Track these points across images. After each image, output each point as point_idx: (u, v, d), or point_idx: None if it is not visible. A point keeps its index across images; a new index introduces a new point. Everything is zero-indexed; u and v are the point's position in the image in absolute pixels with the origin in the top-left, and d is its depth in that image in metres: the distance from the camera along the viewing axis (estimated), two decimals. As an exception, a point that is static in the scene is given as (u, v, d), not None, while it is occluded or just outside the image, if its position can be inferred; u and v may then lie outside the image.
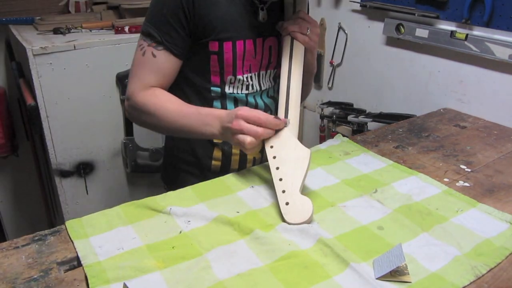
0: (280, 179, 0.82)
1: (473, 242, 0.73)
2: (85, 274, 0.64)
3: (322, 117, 1.92)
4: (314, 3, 1.93)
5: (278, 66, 1.09)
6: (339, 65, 1.90)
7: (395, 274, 0.65)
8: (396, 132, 1.20)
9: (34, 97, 1.54)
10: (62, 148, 1.61)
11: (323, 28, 1.92)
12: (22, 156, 2.01)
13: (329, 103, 1.89)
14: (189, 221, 0.77)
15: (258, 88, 1.08)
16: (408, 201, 0.85)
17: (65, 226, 0.75)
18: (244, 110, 0.86)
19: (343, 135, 1.15)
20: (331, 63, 1.92)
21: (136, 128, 1.71)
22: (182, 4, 0.93)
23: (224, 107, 1.05)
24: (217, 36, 0.97)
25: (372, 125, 1.63)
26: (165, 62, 0.97)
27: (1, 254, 0.68)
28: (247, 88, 1.06)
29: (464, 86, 1.44)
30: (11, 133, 1.91)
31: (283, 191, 0.80)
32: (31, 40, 1.55)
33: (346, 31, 1.82)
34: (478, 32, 1.34)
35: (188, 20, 0.94)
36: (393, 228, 0.76)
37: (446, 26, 1.42)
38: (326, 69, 1.98)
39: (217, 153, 1.07)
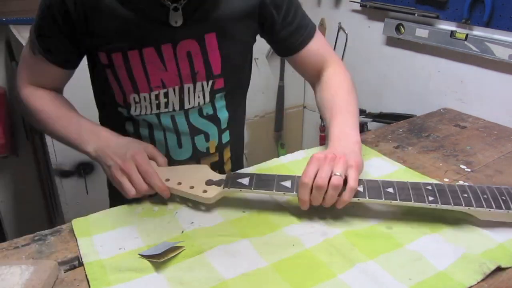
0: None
1: (484, 245, 0.72)
2: (85, 273, 0.65)
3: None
4: (314, 3, 1.93)
5: (212, 76, 0.90)
6: (339, 65, 1.90)
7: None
8: (396, 132, 1.20)
9: (34, 97, 1.54)
10: (62, 148, 1.60)
11: (323, 28, 1.92)
12: (22, 156, 2.01)
13: (329, 103, 1.89)
14: (192, 222, 0.77)
15: (179, 107, 0.90)
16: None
17: (71, 224, 0.75)
18: (139, 154, 0.79)
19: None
20: (331, 63, 1.92)
21: (136, 128, 1.71)
22: (69, 12, 0.79)
23: (137, 132, 0.93)
24: (106, 47, 0.83)
25: (372, 125, 1.63)
26: (45, 69, 0.88)
27: (1, 254, 0.68)
28: (158, 107, 0.89)
29: (464, 86, 1.44)
30: (11, 133, 1.91)
31: None
32: (31, 40, 1.55)
33: (346, 31, 1.82)
34: (478, 32, 1.34)
35: (76, 29, 0.82)
36: (402, 228, 0.76)
37: (446, 26, 1.42)
38: (326, 69, 1.98)
39: None
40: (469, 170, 0.99)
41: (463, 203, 0.73)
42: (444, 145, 1.12)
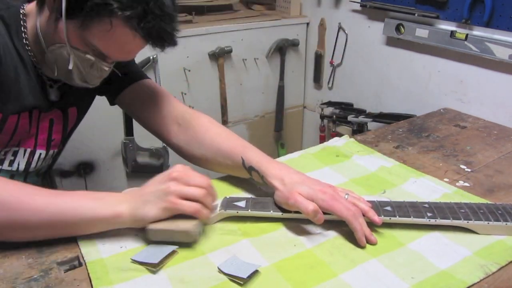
0: None
1: (485, 241, 0.73)
2: (87, 272, 0.65)
3: (322, 117, 1.92)
4: (314, 3, 1.94)
5: (63, 145, 0.94)
6: (339, 65, 1.90)
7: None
8: (396, 132, 1.20)
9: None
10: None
11: (323, 28, 1.92)
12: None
13: (329, 103, 1.89)
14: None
15: (23, 169, 0.86)
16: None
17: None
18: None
19: (350, 137, 1.15)
20: (331, 63, 1.93)
21: (136, 128, 1.71)
22: None
23: None
24: None
25: (372, 125, 1.63)
26: None
27: (1, 254, 0.68)
28: (1, 163, 0.84)
29: (464, 86, 1.44)
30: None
31: None
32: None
33: (346, 31, 1.82)
34: (478, 32, 1.35)
35: None
36: (404, 227, 0.76)
37: (446, 26, 1.43)
38: (326, 69, 1.99)
39: None
40: (469, 170, 0.99)
41: (461, 217, 0.75)
42: (444, 145, 1.12)
